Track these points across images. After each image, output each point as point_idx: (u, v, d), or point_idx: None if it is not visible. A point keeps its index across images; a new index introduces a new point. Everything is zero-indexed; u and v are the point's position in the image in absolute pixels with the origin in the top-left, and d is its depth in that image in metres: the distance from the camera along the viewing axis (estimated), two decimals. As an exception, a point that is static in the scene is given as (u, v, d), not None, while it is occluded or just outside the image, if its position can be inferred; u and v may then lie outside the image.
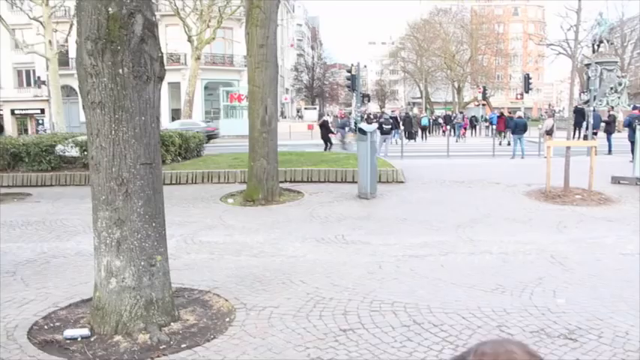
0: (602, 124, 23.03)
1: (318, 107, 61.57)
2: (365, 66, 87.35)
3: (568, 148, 10.37)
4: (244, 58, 9.30)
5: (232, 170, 11.69)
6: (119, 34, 3.90)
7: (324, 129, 21.15)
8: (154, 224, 4.11)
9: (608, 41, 39.53)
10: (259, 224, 7.79)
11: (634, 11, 57.15)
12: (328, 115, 35.93)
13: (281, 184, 10.21)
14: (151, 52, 4.12)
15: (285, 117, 51.05)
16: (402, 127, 27.43)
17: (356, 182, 9.98)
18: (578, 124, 24.14)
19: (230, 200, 9.64)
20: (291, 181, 11.12)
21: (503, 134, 27.49)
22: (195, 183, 11.48)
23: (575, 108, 22.72)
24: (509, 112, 33.53)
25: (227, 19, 31.28)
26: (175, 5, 28.34)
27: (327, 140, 20.76)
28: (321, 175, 11.40)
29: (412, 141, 28.71)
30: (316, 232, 7.26)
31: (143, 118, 4.08)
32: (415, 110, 42.45)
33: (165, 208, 4.36)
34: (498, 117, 30.94)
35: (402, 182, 11.22)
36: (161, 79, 4.31)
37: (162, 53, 4.33)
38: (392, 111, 41.00)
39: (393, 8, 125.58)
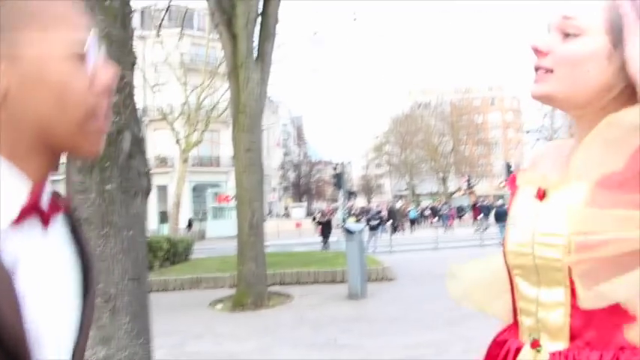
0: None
1: (306, 204, 61.93)
2: (350, 162, 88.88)
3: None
4: (231, 159, 9.57)
5: (221, 275, 11.59)
6: (107, 151, 3.97)
7: (327, 226, 21.17)
8: (141, 341, 4.03)
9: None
10: (249, 331, 7.64)
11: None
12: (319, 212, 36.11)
13: (270, 287, 10.11)
14: (139, 167, 4.18)
15: (273, 216, 51.15)
16: (389, 221, 27.56)
17: (346, 282, 9.90)
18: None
19: (219, 306, 9.49)
20: (280, 284, 11.01)
21: (482, 222, 28.39)
22: (184, 289, 11.33)
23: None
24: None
25: (214, 122, 32.00)
26: (163, 111, 29.06)
27: (326, 237, 20.74)
28: (311, 276, 11.32)
29: (399, 234, 28.88)
30: (307, 336, 7.12)
31: (131, 232, 4.08)
32: (400, 203, 42.81)
33: (153, 317, 4.29)
34: (472, 206, 31.55)
35: (392, 279, 11.17)
36: (148, 192, 4.36)
37: (149, 168, 4.42)
38: (377, 205, 41.30)
39: (376, 103, 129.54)
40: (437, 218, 35.18)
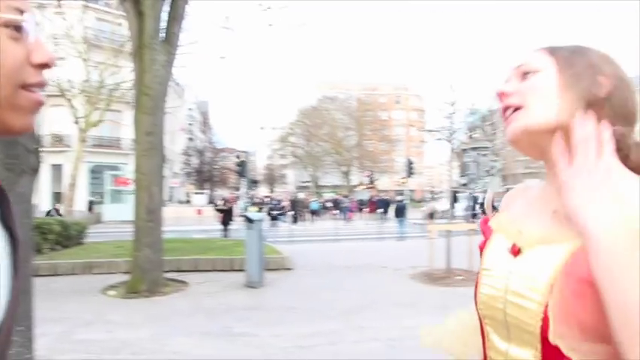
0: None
1: (209, 191, 60.98)
2: (255, 151, 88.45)
3: (449, 230, 10.88)
4: (133, 141, 9.20)
5: (115, 260, 11.18)
6: (-9, 124, 3.71)
7: (228, 214, 20.96)
8: (21, 328, 3.81)
9: (481, 128, 42.80)
10: (142, 318, 7.42)
11: (501, 102, 62.46)
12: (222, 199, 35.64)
13: (167, 274, 9.87)
14: (27, 144, 3.93)
15: (174, 201, 50.02)
16: (290, 212, 27.77)
17: (244, 270, 9.84)
18: (455, 205, 25.63)
19: (111, 292, 9.15)
20: (177, 271, 10.78)
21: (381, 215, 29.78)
22: (75, 274, 10.82)
23: (453, 190, 24.13)
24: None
25: (116, 102, 30.79)
26: (61, 86, 27.55)
27: (227, 225, 20.54)
28: (209, 263, 11.15)
29: (299, 225, 29.15)
30: (202, 324, 7.02)
31: (14, 212, 3.84)
32: (302, 195, 43.16)
33: (39, 303, 4.06)
34: (369, 200, 32.70)
35: (290, 269, 11.24)
36: (36, 171, 4.11)
37: (40, 145, 4.17)
38: (279, 196, 41.43)
39: (284, 94, 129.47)
40: (338, 210, 35.75)
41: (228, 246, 13.42)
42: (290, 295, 8.85)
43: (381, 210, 31.76)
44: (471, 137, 41.52)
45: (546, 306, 0.90)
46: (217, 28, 27.11)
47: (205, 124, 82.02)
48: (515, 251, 1.03)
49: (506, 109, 1.04)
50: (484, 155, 39.42)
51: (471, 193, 23.48)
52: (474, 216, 24.15)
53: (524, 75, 1.04)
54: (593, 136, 0.90)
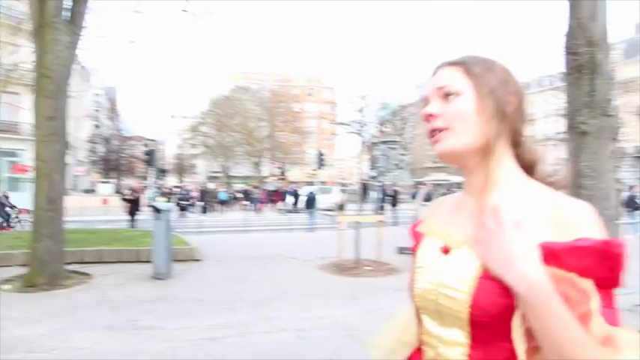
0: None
1: (116, 181, 58.93)
2: (164, 140, 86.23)
3: (358, 222, 11.06)
4: (32, 127, 8.59)
5: (12, 252, 10.54)
6: None
7: (135, 204, 20.31)
8: None
9: (391, 123, 43.86)
10: (41, 313, 7.04)
11: (412, 98, 64.38)
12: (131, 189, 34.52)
13: (69, 266, 9.44)
14: None
15: (78, 190, 47.95)
16: (199, 202, 27.35)
17: (151, 262, 9.58)
18: (366, 198, 26.12)
19: (6, 287, 8.62)
20: (80, 263, 10.33)
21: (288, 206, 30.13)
22: (-34, 267, 10.15)
23: (362, 182, 24.60)
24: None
25: (14, 84, 28.99)
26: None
27: (134, 215, 19.94)
28: (114, 255, 10.76)
29: (209, 215, 28.88)
30: (106, 318, 6.75)
31: None
32: (212, 185, 42.59)
33: None
34: (273, 191, 32.98)
35: (199, 260, 11.06)
36: None
37: None
38: (188, 185, 40.59)
39: (196, 83, 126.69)
40: (248, 201, 35.57)
41: (135, 237, 13.02)
42: (198, 287, 8.71)
43: (292, 201, 31.93)
44: (381, 131, 42.38)
45: (473, 295, 1.07)
46: (127, 10, 26.13)
47: (113, 111, 78.96)
48: (446, 250, 1.19)
49: (433, 129, 1.17)
50: (393, 149, 40.79)
51: (382, 185, 23.97)
52: (383, 208, 24.71)
53: (447, 96, 1.16)
54: (497, 217, 1.07)
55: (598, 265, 0.96)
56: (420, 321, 1.26)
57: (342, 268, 10.19)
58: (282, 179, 51.07)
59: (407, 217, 20.42)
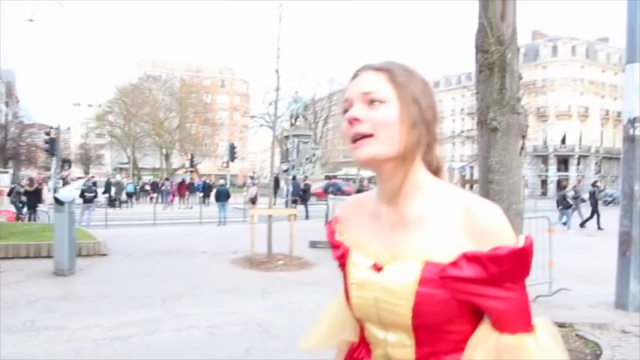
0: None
1: (13, 171, 55.65)
2: (68, 128, 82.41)
3: (270, 215, 10.96)
4: None
5: None
6: None
7: (35, 196, 19.23)
8: None
9: (303, 117, 44.06)
10: None
11: (324, 93, 64.92)
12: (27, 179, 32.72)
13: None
14: None
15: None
16: (105, 194, 26.37)
17: (52, 257, 9.03)
18: (278, 191, 26.11)
19: None
20: (-28, 259, 9.61)
21: (184, 199, 31.16)
22: None
23: (275, 176, 24.50)
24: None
25: None
26: None
27: (34, 208, 18.90)
28: (10, 250, 10.04)
29: (117, 209, 28.05)
30: (0, 319, 6.28)
31: None
32: (119, 177, 41.18)
33: None
34: (180, 183, 32.59)
35: (105, 255, 10.59)
36: None
37: None
38: (92, 177, 38.95)
39: (102, 70, 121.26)
40: (157, 194, 34.66)
41: (35, 230, 12.29)
42: (104, 283, 8.28)
43: (201, 194, 31.42)
44: (292, 125, 42.48)
45: (413, 307, 1.12)
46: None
47: (10, 96, 74.40)
48: (378, 268, 1.20)
49: (356, 134, 1.16)
50: (305, 143, 40.89)
51: (294, 179, 23.97)
52: (295, 202, 24.72)
53: (371, 102, 1.16)
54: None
55: (515, 266, 1.09)
56: (361, 324, 1.29)
57: (255, 263, 10.07)
58: (193, 171, 50.08)
59: (319, 210, 20.59)
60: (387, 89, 1.16)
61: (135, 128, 61.03)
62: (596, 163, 65.84)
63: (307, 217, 21.84)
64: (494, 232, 1.10)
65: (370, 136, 1.14)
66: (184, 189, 32.95)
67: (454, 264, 1.10)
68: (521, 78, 4.89)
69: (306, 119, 47.58)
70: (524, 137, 4.83)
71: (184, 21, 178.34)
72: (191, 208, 30.49)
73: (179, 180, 41.35)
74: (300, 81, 49.67)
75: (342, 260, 1.32)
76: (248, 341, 5.54)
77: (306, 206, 23.30)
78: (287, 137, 33.34)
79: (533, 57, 65.06)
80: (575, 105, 64.90)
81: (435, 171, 1.25)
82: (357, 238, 1.29)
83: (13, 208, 20.26)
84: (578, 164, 64.62)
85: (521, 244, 1.09)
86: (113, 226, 17.35)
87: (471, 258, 1.09)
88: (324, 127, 68.39)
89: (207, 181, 37.26)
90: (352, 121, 1.16)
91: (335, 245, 1.36)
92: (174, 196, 34.08)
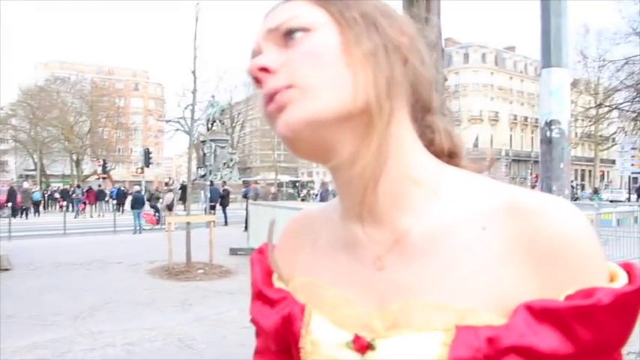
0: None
1: None
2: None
3: (188, 222, 10.59)
4: None
5: None
6: None
7: None
8: None
9: (220, 121, 43.59)
10: None
11: (241, 96, 64.41)
12: None
13: None
14: None
15: None
16: (9, 203, 24.90)
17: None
18: (196, 197, 25.60)
19: None
20: None
21: (93, 206, 30.85)
22: None
23: (193, 181, 23.95)
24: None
25: None
26: None
27: None
28: None
29: (22, 218, 26.78)
30: None
31: None
32: (26, 184, 39.10)
33: None
34: (87, 190, 31.70)
35: (7, 270, 9.92)
36: None
37: None
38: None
39: (3, 70, 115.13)
40: (67, 202, 33.13)
41: None
42: (6, 301, 7.64)
43: (115, 201, 30.35)
44: (209, 129, 41.95)
45: None
46: None
47: None
48: (363, 347, 0.65)
49: (272, 94, 0.65)
50: (223, 147, 40.36)
51: (211, 184, 23.51)
52: (213, 207, 24.27)
53: (289, 36, 0.66)
54: None
55: (621, 325, 0.58)
56: None
57: (173, 273, 9.71)
58: (106, 178, 48.36)
59: (238, 216, 20.34)
60: (311, 10, 0.66)
61: (42, 133, 58.22)
62: (506, 166, 68.88)
63: (226, 223, 21.46)
64: (577, 255, 0.59)
65: (293, 87, 0.64)
66: (92, 196, 31.66)
67: (509, 327, 0.57)
68: (446, 80, 4.84)
69: (223, 124, 47.18)
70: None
71: (94, 20, 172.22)
72: (101, 216, 29.51)
73: (92, 187, 39.82)
74: (217, 83, 48.97)
75: (290, 330, 0.73)
76: (169, 358, 5.24)
77: (224, 212, 22.92)
78: (204, 142, 32.78)
79: (446, 63, 67.35)
80: (486, 110, 67.70)
81: (450, 154, 0.74)
82: (316, 286, 0.74)
83: None
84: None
85: (624, 278, 0.59)
86: (17, 237, 16.31)
87: (540, 313, 0.57)
88: (241, 131, 68.03)
89: (122, 188, 35.98)
90: (260, 75, 0.66)
91: (271, 300, 0.78)
92: (85, 204, 32.62)
